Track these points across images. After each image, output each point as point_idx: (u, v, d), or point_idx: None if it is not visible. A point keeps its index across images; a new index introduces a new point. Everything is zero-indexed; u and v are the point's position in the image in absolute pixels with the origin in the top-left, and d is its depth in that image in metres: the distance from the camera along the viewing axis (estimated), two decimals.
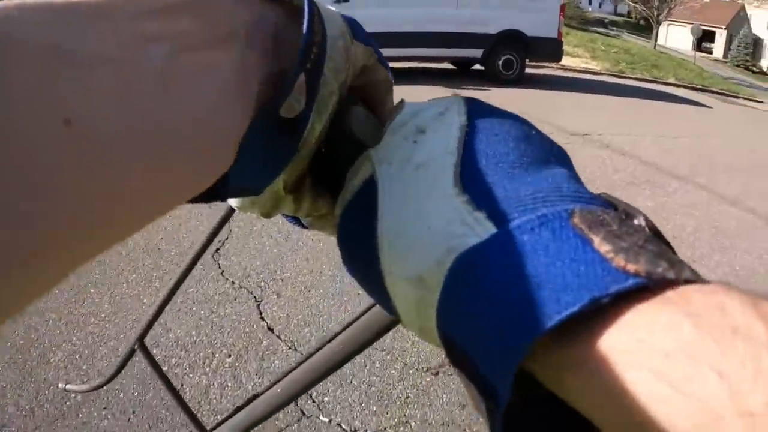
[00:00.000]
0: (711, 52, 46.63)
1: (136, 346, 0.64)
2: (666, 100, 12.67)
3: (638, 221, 0.21)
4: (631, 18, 62.89)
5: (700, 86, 19.24)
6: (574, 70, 15.03)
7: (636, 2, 27.44)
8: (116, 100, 0.17)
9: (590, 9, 50.84)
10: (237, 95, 0.22)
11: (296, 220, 0.33)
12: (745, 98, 21.09)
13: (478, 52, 9.50)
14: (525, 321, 0.18)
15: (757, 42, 47.37)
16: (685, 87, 18.16)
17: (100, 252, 0.19)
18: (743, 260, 4.00)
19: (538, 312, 0.17)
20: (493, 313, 0.19)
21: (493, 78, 9.60)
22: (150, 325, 0.63)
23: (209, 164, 0.22)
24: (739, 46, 45.35)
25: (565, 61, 14.68)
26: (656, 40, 28.11)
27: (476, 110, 0.27)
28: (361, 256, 0.26)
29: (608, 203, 0.22)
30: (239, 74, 0.23)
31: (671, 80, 18.19)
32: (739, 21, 48.76)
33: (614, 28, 46.94)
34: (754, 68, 44.30)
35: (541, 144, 0.26)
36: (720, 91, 20.16)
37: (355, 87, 0.30)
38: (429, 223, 0.22)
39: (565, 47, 11.78)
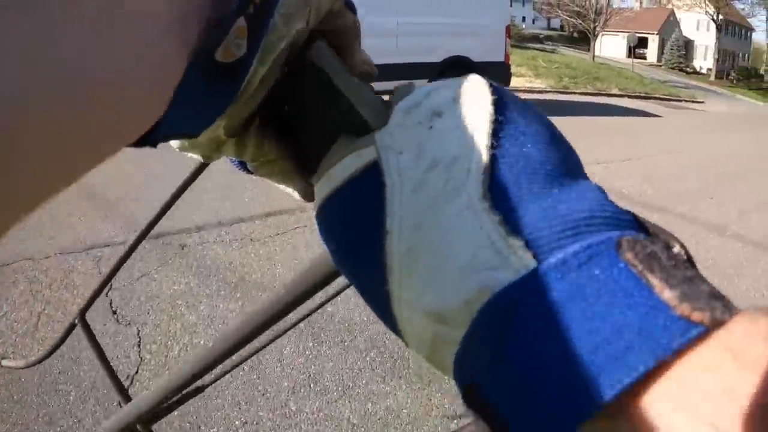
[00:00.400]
0: (645, 58, 47.86)
1: (76, 321, 0.64)
2: (616, 113, 12.37)
3: (677, 249, 0.18)
4: (565, 32, 64.94)
5: (643, 93, 19.17)
6: (520, 90, 14.51)
7: (572, 17, 27.65)
8: (45, 47, 0.16)
9: (524, 26, 51.92)
10: (175, 41, 0.21)
11: (242, 165, 0.31)
12: (687, 101, 21.23)
13: (422, 83, 8.71)
14: (578, 388, 0.15)
15: (688, 44, 48.88)
16: (630, 96, 18.04)
17: (33, 207, 0.18)
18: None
19: (595, 377, 0.15)
20: (535, 371, 0.16)
21: None
22: (93, 299, 0.62)
23: (145, 110, 0.21)
24: (672, 49, 46.64)
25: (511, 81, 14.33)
26: (594, 52, 28.19)
27: (504, 99, 0.22)
28: (360, 262, 0.22)
29: (641, 225, 0.19)
30: (178, 19, 0.21)
31: (615, 91, 18.03)
32: (669, 26, 50.30)
33: (550, 42, 48.01)
34: (687, 69, 45.72)
35: (568, 149, 0.23)
36: (663, 96, 20.17)
37: (320, 32, 0.28)
38: (453, 244, 0.19)
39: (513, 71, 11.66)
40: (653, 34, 45.89)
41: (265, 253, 3.08)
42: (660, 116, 13.60)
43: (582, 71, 19.77)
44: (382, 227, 0.20)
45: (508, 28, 8.97)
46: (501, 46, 8.94)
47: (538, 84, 15.53)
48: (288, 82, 0.27)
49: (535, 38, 44.63)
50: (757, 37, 56.58)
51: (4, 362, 0.75)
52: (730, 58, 46.95)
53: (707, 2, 44.30)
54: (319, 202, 0.24)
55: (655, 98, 19.43)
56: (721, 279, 3.42)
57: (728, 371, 0.13)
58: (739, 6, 50.13)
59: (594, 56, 28.15)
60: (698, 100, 22.21)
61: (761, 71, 52.36)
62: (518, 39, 32.95)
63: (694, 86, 32.18)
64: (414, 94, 0.24)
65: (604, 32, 49.11)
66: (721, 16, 44.40)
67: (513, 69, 14.80)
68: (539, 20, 66.68)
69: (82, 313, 0.63)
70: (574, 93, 15.90)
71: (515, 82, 15.02)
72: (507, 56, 9.13)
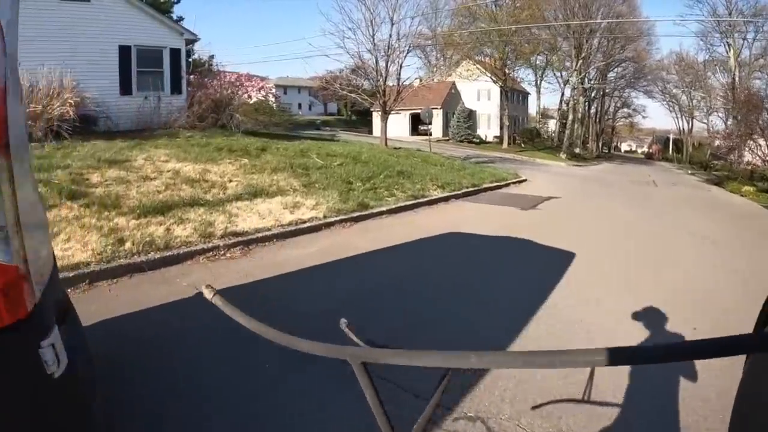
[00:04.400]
0: (431, 134, 45.17)
1: None
2: (468, 243, 5.64)
3: None
4: (343, 115, 62.19)
5: (472, 188, 13.31)
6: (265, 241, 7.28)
7: (365, 99, 21.98)
8: None
9: (300, 113, 46.90)
10: None
11: None
12: (513, 182, 16.13)
13: None
14: None
15: (471, 114, 47.38)
16: (455, 197, 11.99)
17: None
18: None
19: None
20: None
21: None
22: None
23: None
24: (459, 122, 44.50)
25: (266, 215, 7.08)
26: (385, 134, 22.55)
27: None
28: None
29: None
30: None
31: (434, 192, 11.79)
32: (453, 98, 48.41)
33: (327, 127, 43.65)
34: (475, 139, 44.07)
35: None
36: (492, 184, 14.64)
37: None
38: None
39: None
40: (437, 108, 43.38)
41: None
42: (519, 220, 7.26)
43: (380, 165, 13.37)
44: None
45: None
46: None
47: (314, 213, 8.39)
48: None
49: (311, 124, 39.77)
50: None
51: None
52: (512, 123, 46.23)
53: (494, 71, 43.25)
54: None
55: (485, 189, 13.78)
56: None
57: None
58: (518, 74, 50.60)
59: (386, 140, 22.44)
60: (522, 178, 17.24)
61: (539, 130, 53.81)
62: (293, 127, 27.03)
63: (497, 158, 28.76)
64: None
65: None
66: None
67: (276, 183, 7.92)
68: (316, 106, 63.10)
69: None
70: (380, 214, 9.14)
71: (272, 216, 7.83)
72: None
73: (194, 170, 9.92)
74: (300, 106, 55.06)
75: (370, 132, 45.07)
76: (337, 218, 8.24)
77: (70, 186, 7.87)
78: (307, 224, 7.73)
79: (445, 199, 11.54)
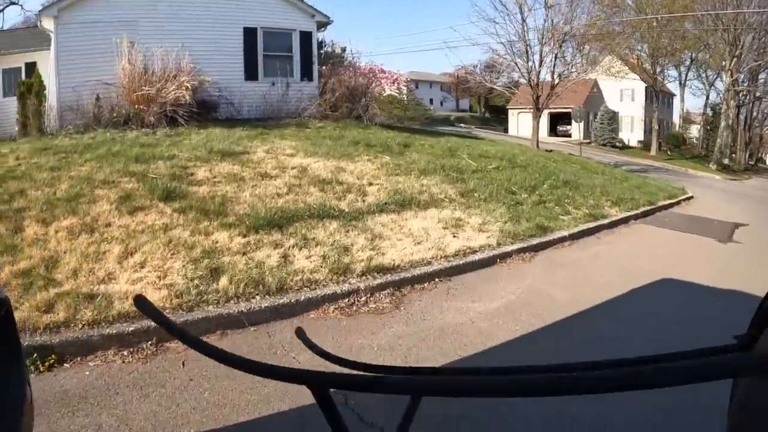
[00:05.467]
0: (570, 135, 41.62)
1: None
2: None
3: None
4: (476, 112, 59.48)
5: (648, 206, 10.39)
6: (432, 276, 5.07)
7: (510, 92, 19.67)
8: None
9: (432, 108, 44.85)
10: None
11: None
12: (683, 199, 12.82)
13: None
14: None
15: (614, 116, 42.61)
16: (640, 216, 9.27)
17: None
18: None
19: None
20: None
21: None
22: None
23: None
24: (602, 123, 40.17)
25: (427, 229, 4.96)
26: (537, 135, 19.77)
27: None
28: None
29: None
30: None
31: (611, 210, 9.13)
32: (594, 98, 43.89)
33: (462, 124, 41.18)
34: (618, 143, 39.66)
35: None
36: (666, 202, 11.55)
37: None
38: None
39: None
40: (577, 108, 39.02)
41: None
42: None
43: (539, 171, 10.78)
44: None
45: None
46: None
47: (482, 239, 6.07)
48: None
49: (445, 120, 37.71)
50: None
51: None
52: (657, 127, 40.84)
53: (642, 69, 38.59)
54: None
55: (660, 207, 10.81)
56: None
57: None
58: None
59: (537, 141, 19.62)
60: (687, 194, 13.88)
61: (684, 136, 47.87)
62: (428, 122, 25.06)
63: (648, 166, 24.99)
64: None
65: (521, 110, 43.48)
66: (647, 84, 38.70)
67: (426, 190, 5.91)
68: (448, 101, 60.91)
69: None
70: (557, 238, 6.70)
71: (429, 233, 5.63)
72: None
73: (325, 168, 7.98)
74: (431, 101, 52.98)
75: (506, 131, 42.01)
76: (514, 246, 5.90)
77: (167, 183, 6.17)
78: (478, 255, 5.52)
79: (625, 221, 8.88)
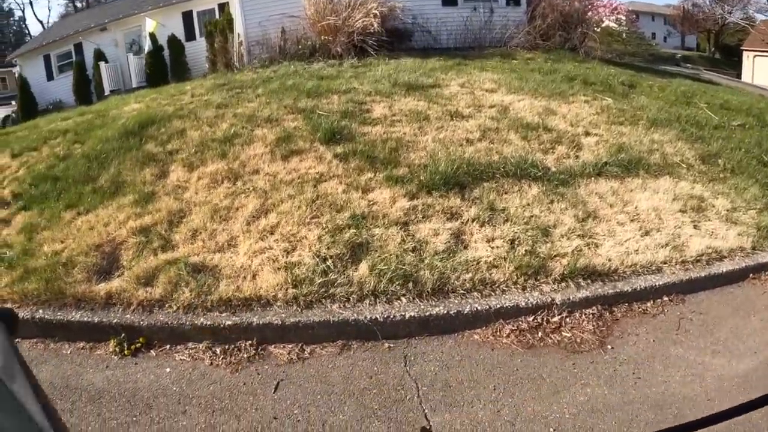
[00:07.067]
0: None
1: None
2: None
3: None
4: (704, 51, 51.22)
5: None
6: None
7: None
8: None
9: (655, 43, 39.28)
10: None
11: None
12: None
13: None
14: None
15: None
16: None
17: None
18: None
19: None
20: None
21: None
22: None
23: None
24: None
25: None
26: None
27: None
28: None
29: None
30: None
31: None
32: None
33: (688, 64, 35.38)
34: None
35: None
36: None
37: None
38: None
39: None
40: None
41: None
42: None
43: None
44: None
45: None
46: None
47: (724, 231, 4.04)
48: None
49: (671, 59, 32.73)
50: None
51: None
52: None
53: None
54: None
55: None
56: None
57: None
58: None
59: None
60: None
61: None
62: (651, 60, 21.42)
63: None
64: None
65: (758, 53, 36.33)
66: None
67: (658, 148, 4.27)
68: (672, 36, 53.36)
69: None
70: None
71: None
72: None
73: (531, 109, 6.44)
74: (654, 35, 46.65)
75: (738, 76, 35.58)
76: None
77: (335, 122, 5.14)
78: (726, 263, 3.72)
79: None
